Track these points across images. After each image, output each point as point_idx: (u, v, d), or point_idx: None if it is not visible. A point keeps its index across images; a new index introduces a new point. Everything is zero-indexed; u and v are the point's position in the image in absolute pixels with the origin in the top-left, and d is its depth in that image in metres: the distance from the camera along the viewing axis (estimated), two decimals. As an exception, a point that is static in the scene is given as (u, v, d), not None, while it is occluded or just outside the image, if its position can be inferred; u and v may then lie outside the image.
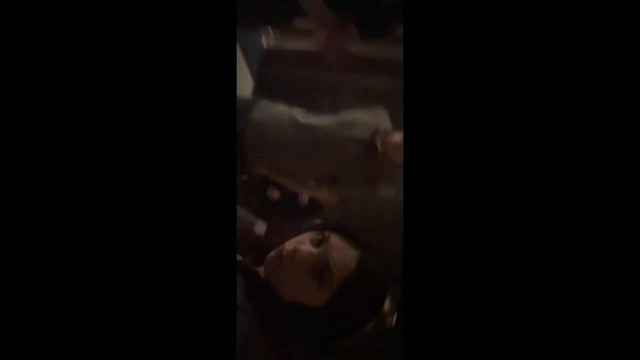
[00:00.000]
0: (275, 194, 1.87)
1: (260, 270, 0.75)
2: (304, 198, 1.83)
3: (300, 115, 1.57)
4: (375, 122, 1.54)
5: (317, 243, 0.71)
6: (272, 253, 0.72)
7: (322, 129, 1.51)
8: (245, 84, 2.44)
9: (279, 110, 1.60)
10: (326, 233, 0.72)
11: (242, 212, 1.39)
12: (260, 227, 1.36)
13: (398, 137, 1.44)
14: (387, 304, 0.74)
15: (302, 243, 0.71)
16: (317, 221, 0.77)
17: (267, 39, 2.46)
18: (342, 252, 0.70)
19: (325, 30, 1.32)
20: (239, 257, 0.79)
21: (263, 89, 2.42)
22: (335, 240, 0.71)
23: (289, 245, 0.72)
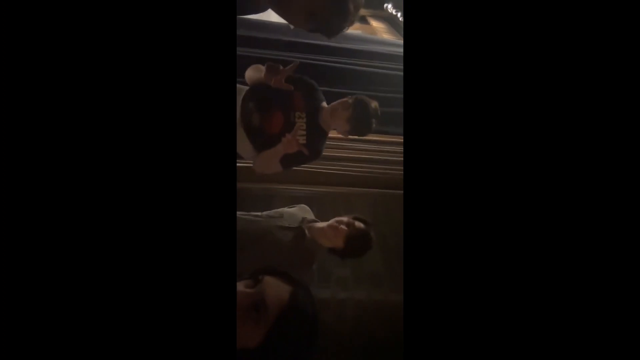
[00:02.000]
0: None
1: None
2: None
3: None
4: (301, 214, 1.64)
5: (252, 286, 0.72)
6: None
7: (253, 221, 1.58)
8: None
9: None
10: (260, 277, 0.74)
11: None
12: None
13: (322, 224, 1.54)
14: None
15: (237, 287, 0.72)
16: (247, 273, 0.78)
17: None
18: (275, 287, 0.72)
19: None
20: None
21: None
22: (269, 279, 0.73)
23: None
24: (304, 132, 1.57)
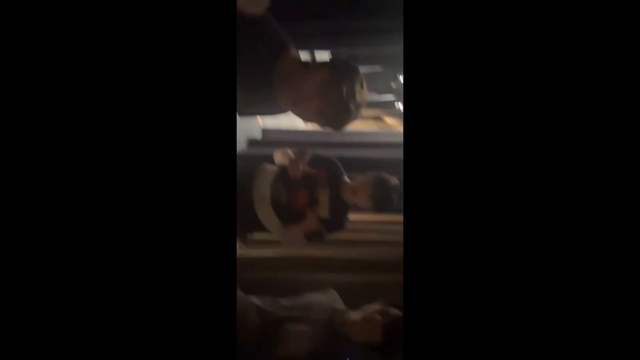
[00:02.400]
0: None
1: None
2: None
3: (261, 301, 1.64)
4: (331, 303, 1.61)
5: None
6: None
7: (276, 312, 1.56)
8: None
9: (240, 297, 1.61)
10: None
11: None
12: None
13: (355, 316, 1.47)
14: None
15: None
16: None
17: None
18: None
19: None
20: None
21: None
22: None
23: None
24: (327, 208, 1.64)
